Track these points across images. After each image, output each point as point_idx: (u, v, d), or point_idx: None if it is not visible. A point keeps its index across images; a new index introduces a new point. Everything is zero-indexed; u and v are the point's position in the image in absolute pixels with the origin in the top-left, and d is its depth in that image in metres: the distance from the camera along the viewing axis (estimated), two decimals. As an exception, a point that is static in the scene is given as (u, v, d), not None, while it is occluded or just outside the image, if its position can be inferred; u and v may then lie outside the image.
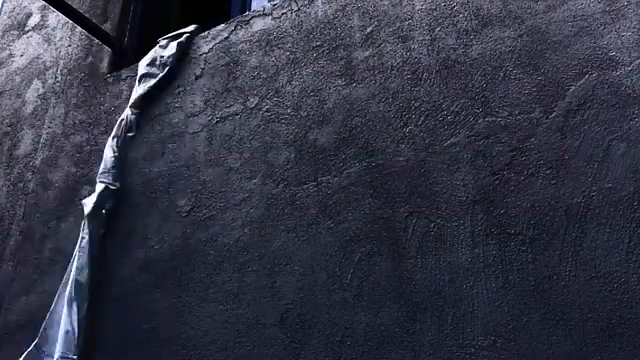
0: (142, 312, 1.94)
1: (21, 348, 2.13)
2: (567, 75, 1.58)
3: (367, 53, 1.93)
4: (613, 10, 1.58)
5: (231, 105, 2.14)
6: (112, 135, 2.33)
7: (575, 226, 1.42)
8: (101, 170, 2.24)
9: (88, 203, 2.19)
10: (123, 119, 2.34)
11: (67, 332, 1.96)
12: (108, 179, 2.22)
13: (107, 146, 2.31)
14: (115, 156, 2.26)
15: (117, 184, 2.22)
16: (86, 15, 2.69)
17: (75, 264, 2.05)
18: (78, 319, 1.98)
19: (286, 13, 2.18)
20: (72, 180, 2.40)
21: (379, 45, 1.92)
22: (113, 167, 2.24)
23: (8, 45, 3.13)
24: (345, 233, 1.70)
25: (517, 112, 1.60)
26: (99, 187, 2.20)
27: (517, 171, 1.54)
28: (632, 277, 1.32)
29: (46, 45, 2.95)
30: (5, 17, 3.27)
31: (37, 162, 2.57)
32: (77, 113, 2.58)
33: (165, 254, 1.99)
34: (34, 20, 3.11)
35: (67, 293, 2.02)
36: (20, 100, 2.85)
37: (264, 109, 2.05)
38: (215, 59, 2.27)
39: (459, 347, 1.44)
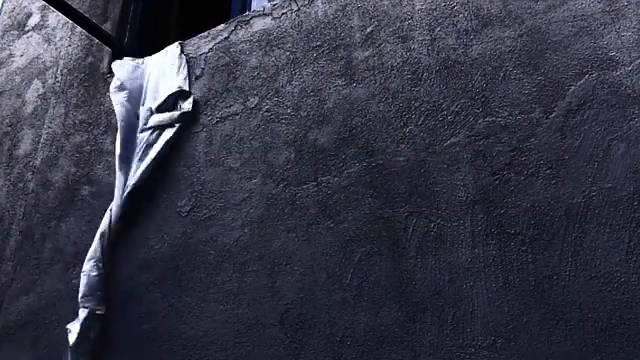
0: (142, 312, 1.94)
1: (21, 348, 2.13)
2: (567, 75, 1.58)
3: (367, 53, 1.93)
4: (613, 10, 1.58)
5: (231, 105, 2.14)
6: (92, 250, 2.05)
7: (575, 226, 1.42)
8: (82, 294, 1.98)
9: (73, 331, 1.95)
10: (110, 215, 2.11)
11: None
12: (92, 303, 1.97)
13: (87, 262, 2.02)
14: (100, 274, 2.00)
15: (103, 308, 1.97)
16: (86, 15, 2.69)
17: None
18: None
19: (286, 13, 2.18)
20: (72, 180, 2.40)
21: (379, 45, 1.92)
22: (98, 289, 1.98)
23: (8, 45, 3.13)
24: (345, 233, 1.71)
25: (517, 112, 1.61)
26: (82, 313, 1.95)
27: (517, 171, 1.54)
28: (632, 277, 1.32)
29: (46, 45, 2.95)
30: (5, 17, 3.27)
31: (37, 162, 2.57)
32: (77, 113, 2.58)
33: (165, 254, 1.99)
34: (34, 20, 3.11)
35: None
36: (20, 100, 2.85)
37: (264, 109, 2.05)
38: (215, 59, 2.27)
39: (459, 347, 1.44)
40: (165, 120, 2.19)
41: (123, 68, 2.39)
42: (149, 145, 2.17)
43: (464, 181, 1.60)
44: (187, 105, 2.20)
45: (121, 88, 2.32)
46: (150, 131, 2.19)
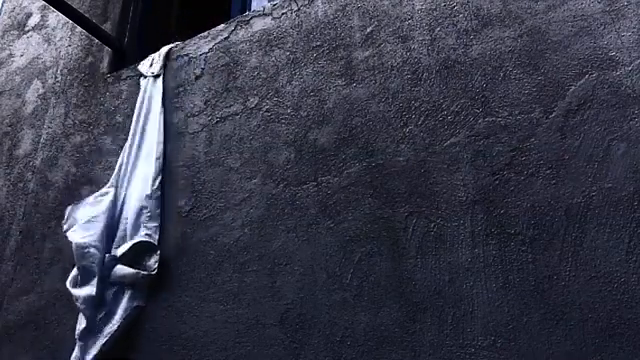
0: (142, 312, 1.94)
1: (21, 348, 2.13)
2: (567, 75, 1.58)
3: (367, 53, 1.93)
4: (613, 10, 1.58)
5: (231, 105, 2.14)
6: None
7: (575, 226, 1.42)
8: None
9: None
10: None
11: None
12: None
13: None
14: None
15: None
16: (86, 15, 2.69)
17: None
18: None
19: (286, 13, 2.18)
20: (72, 180, 2.40)
21: (379, 45, 1.92)
22: None
23: (8, 45, 3.13)
24: (345, 233, 1.70)
25: (517, 112, 1.60)
26: None
27: (517, 171, 1.54)
28: (632, 277, 1.32)
29: (46, 45, 2.95)
30: (5, 17, 3.27)
31: (37, 162, 2.57)
32: (77, 113, 2.58)
33: (165, 254, 1.99)
34: (34, 20, 3.11)
35: None
36: (20, 100, 2.85)
37: (264, 109, 2.05)
38: (215, 59, 2.27)
39: (459, 347, 1.44)
40: (128, 277, 1.92)
41: (82, 209, 2.09)
42: (111, 312, 1.90)
43: (464, 181, 1.60)
44: (152, 264, 1.93)
45: (83, 229, 2.02)
46: (114, 289, 1.93)
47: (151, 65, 2.38)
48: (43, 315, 2.15)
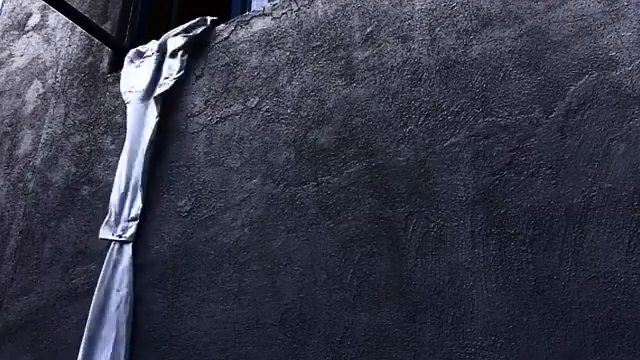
0: (142, 312, 1.94)
1: (21, 348, 2.13)
2: (567, 75, 1.58)
3: (367, 53, 1.93)
4: (613, 10, 1.58)
5: (231, 105, 2.14)
6: None
7: (575, 226, 1.42)
8: None
9: None
10: None
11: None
12: None
13: None
14: None
15: None
16: (86, 15, 2.69)
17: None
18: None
19: (286, 13, 2.18)
20: (72, 180, 2.40)
21: (379, 45, 1.92)
22: None
23: (8, 45, 3.13)
24: (345, 233, 1.70)
25: (517, 112, 1.60)
26: None
27: (517, 171, 1.54)
28: (632, 277, 1.32)
29: (46, 45, 2.95)
30: (5, 17, 3.27)
31: (37, 162, 2.57)
32: (77, 113, 2.58)
33: (165, 254, 1.99)
34: (34, 20, 3.11)
35: None
36: (20, 100, 2.85)
37: (264, 109, 2.05)
38: (215, 59, 2.27)
39: (459, 347, 1.44)
40: None
41: None
42: None
43: (464, 181, 1.60)
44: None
45: None
46: None
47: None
48: (43, 315, 2.15)
